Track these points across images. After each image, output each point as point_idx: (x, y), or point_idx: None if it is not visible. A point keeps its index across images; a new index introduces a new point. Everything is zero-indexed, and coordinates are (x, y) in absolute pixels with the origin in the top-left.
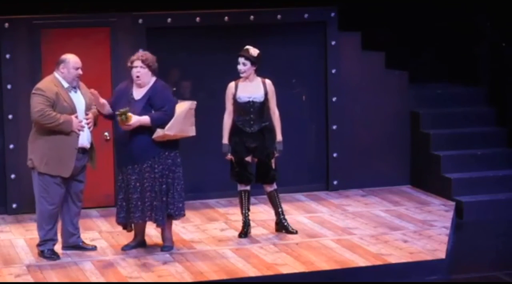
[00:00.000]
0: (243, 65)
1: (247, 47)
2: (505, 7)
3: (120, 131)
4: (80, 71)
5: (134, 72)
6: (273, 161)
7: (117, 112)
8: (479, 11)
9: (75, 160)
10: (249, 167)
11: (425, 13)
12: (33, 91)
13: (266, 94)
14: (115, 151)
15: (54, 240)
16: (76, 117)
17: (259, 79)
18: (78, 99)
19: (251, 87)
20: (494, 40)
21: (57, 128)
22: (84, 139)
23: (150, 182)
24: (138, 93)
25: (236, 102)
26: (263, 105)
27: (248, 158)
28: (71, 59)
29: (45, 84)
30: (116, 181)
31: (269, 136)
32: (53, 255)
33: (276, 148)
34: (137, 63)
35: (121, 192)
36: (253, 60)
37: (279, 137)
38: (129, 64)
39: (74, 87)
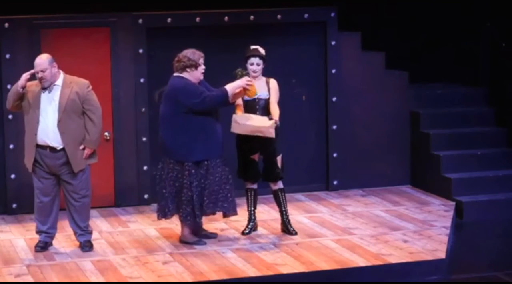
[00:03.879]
0: (257, 66)
1: (255, 46)
2: (505, 7)
3: (208, 121)
4: (38, 75)
5: (202, 69)
6: (278, 159)
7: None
8: (479, 11)
9: (36, 156)
10: (254, 165)
11: (425, 13)
12: None
13: (269, 90)
14: (198, 143)
15: (48, 233)
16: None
17: (263, 78)
18: (47, 100)
19: (257, 85)
20: (494, 40)
21: (12, 98)
22: (45, 137)
23: (219, 174)
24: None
25: (242, 100)
26: (268, 102)
27: (254, 156)
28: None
29: (32, 82)
30: (189, 175)
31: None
32: (40, 248)
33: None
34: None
35: (194, 186)
36: (265, 59)
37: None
38: (199, 62)
39: (45, 88)
